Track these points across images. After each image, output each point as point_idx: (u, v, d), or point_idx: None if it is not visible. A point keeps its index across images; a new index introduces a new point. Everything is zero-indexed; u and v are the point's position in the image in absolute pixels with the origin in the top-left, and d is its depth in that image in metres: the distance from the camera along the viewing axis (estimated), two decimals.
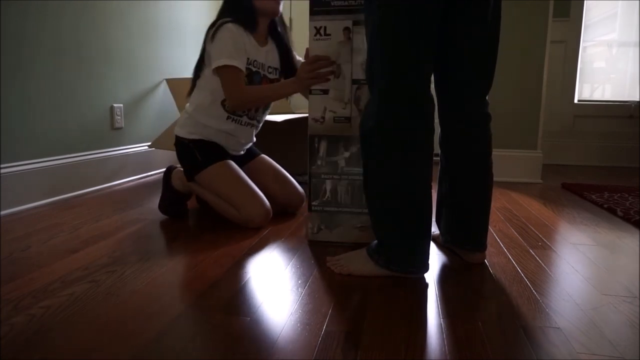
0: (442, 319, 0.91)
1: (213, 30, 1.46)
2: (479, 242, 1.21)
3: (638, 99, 3.16)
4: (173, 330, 0.85)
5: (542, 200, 2.05)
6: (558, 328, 0.87)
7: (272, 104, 1.71)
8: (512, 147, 2.50)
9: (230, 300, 0.97)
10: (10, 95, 1.66)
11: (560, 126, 3.28)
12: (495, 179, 2.60)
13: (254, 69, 1.55)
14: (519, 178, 2.50)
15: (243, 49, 1.48)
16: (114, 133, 2.22)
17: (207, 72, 1.53)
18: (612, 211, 1.82)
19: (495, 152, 2.51)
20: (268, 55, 1.60)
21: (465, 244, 1.23)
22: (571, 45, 3.19)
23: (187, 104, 1.62)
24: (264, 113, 1.67)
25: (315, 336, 0.83)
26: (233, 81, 1.46)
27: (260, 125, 1.71)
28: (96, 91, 2.08)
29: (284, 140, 2.07)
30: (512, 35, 2.39)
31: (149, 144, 2.41)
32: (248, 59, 1.52)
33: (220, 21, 1.47)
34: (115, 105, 2.20)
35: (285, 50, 1.63)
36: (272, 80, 1.61)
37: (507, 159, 2.49)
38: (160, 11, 2.49)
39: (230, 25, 1.46)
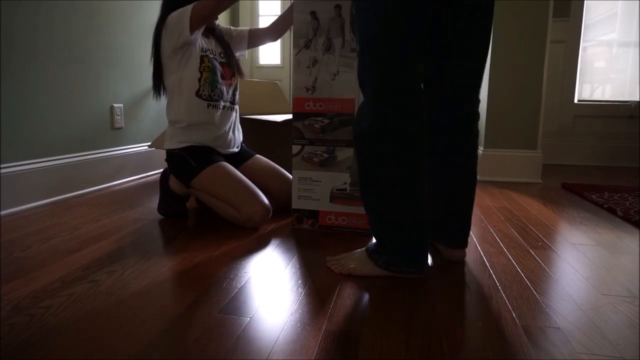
0: (441, 319, 0.91)
1: (163, 29, 1.51)
2: (461, 238, 1.22)
3: (638, 99, 3.16)
4: (173, 330, 0.85)
5: (542, 200, 2.05)
6: (558, 328, 0.87)
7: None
8: (512, 147, 2.50)
9: (230, 300, 0.97)
10: (10, 95, 1.66)
11: (560, 126, 3.28)
12: (495, 179, 2.62)
13: (211, 56, 1.61)
14: (519, 178, 2.50)
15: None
16: (114, 133, 2.22)
17: (171, 78, 1.57)
18: (612, 211, 1.82)
19: (495, 152, 2.53)
20: (216, 44, 1.67)
21: (446, 240, 1.23)
22: (571, 45, 3.19)
23: (167, 116, 1.64)
24: (235, 93, 1.71)
25: (315, 336, 0.83)
26: (201, 3, 1.48)
27: (237, 109, 1.74)
28: (96, 91, 2.08)
29: (284, 141, 2.07)
30: (512, 35, 2.39)
31: (149, 144, 2.41)
32: (202, 48, 1.58)
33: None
34: (115, 105, 2.20)
35: (222, 39, 1.70)
36: (228, 64, 1.67)
37: (507, 159, 2.49)
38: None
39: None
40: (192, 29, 1.49)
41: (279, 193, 1.68)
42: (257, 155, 1.78)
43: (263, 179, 1.69)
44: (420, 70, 1.05)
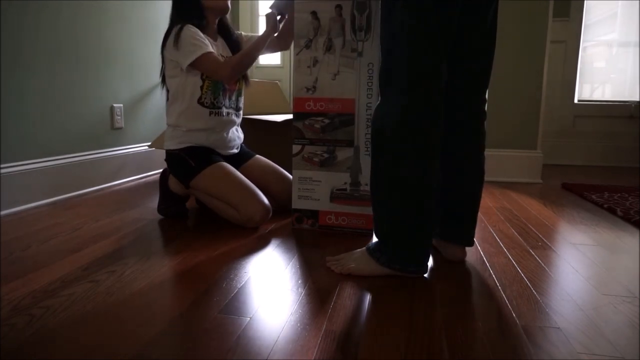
0: (442, 319, 0.91)
1: (174, 37, 1.49)
2: (468, 237, 1.22)
3: (638, 99, 3.16)
4: (173, 330, 0.85)
5: (542, 200, 2.05)
6: (558, 328, 0.87)
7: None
8: (512, 147, 2.50)
9: (230, 300, 0.97)
10: (10, 95, 1.66)
11: (560, 126, 3.27)
12: (495, 179, 2.62)
13: None
14: (519, 178, 2.50)
15: (206, 40, 1.54)
16: (114, 133, 2.22)
17: (174, 81, 1.57)
18: (612, 211, 1.82)
19: (495, 152, 2.52)
20: (224, 49, 1.67)
21: (453, 239, 1.23)
22: (571, 45, 3.19)
23: (167, 118, 1.63)
24: (239, 99, 1.71)
25: (315, 336, 0.83)
26: (214, 62, 1.50)
27: (241, 114, 1.73)
28: (96, 91, 2.08)
29: (283, 141, 2.07)
30: (512, 35, 2.39)
31: (149, 144, 2.41)
32: None
33: (176, 27, 1.50)
34: (115, 105, 2.20)
35: (234, 43, 1.69)
36: None
37: (507, 159, 2.49)
38: (160, 11, 2.49)
39: (188, 26, 1.50)
40: (191, 68, 1.50)
41: (280, 193, 1.68)
42: (257, 156, 1.78)
43: (263, 179, 1.69)
44: (445, 72, 1.06)
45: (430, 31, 1.01)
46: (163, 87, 1.63)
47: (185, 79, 1.55)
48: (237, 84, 1.68)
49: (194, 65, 1.50)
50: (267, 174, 1.71)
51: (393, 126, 1.05)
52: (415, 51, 1.02)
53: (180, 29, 1.49)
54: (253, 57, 1.57)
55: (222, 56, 1.63)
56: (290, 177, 1.69)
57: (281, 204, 1.67)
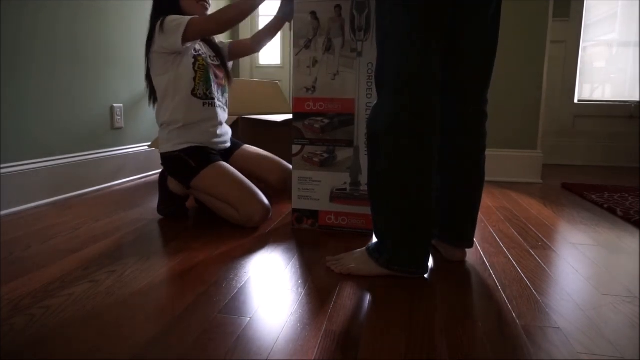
0: (441, 319, 0.91)
1: (159, 28, 1.49)
2: (467, 239, 1.22)
3: (638, 99, 3.16)
4: (173, 330, 0.85)
5: (542, 200, 2.05)
6: (558, 328, 0.87)
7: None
8: (512, 147, 2.50)
9: (230, 300, 0.97)
10: (10, 95, 1.66)
11: (560, 126, 3.28)
12: (495, 179, 2.62)
13: (203, 55, 1.62)
14: (519, 178, 2.50)
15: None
16: (114, 133, 2.22)
17: (164, 78, 1.57)
18: (612, 211, 1.82)
19: (495, 152, 2.53)
20: (207, 47, 1.69)
21: (453, 241, 1.23)
22: (571, 45, 3.19)
23: (159, 119, 1.62)
24: (225, 95, 1.73)
25: (315, 336, 0.83)
26: (201, 21, 1.47)
27: (227, 111, 1.76)
28: (96, 91, 2.08)
29: (284, 141, 2.07)
30: (512, 36, 2.39)
31: (149, 144, 2.41)
32: (195, 48, 1.60)
33: (158, 22, 1.50)
34: (115, 105, 2.20)
35: (212, 43, 1.72)
36: (217, 67, 1.68)
37: (507, 159, 2.49)
38: None
39: (167, 16, 1.51)
40: (184, 42, 1.49)
41: (270, 174, 1.73)
42: (245, 145, 1.82)
43: (252, 165, 1.74)
44: (439, 72, 1.05)
45: (421, 30, 1.00)
46: (148, 89, 1.64)
47: (177, 71, 1.55)
48: (224, 80, 1.71)
49: (186, 37, 1.47)
50: (254, 158, 1.76)
51: (387, 127, 1.04)
52: (406, 50, 1.01)
53: (163, 20, 1.49)
54: (243, 9, 1.46)
55: (207, 54, 1.64)
56: (276, 157, 1.76)
57: (274, 185, 1.73)
